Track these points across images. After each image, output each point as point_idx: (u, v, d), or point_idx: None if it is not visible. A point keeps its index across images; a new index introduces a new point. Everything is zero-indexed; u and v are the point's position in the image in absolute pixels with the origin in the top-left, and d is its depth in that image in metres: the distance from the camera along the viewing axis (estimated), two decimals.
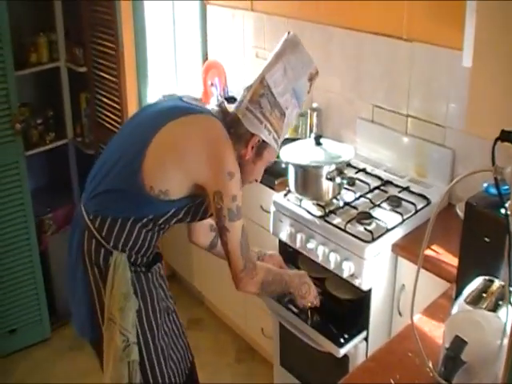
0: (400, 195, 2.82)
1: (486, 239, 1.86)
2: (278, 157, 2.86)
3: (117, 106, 3.92)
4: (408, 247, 2.54)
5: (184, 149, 2.09)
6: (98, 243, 2.18)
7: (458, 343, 1.54)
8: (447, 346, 1.57)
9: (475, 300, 1.73)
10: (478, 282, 1.80)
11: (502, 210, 1.80)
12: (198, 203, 2.21)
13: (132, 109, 3.86)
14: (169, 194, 2.10)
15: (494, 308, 1.69)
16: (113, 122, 3.96)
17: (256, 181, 2.39)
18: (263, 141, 2.22)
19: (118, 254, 2.18)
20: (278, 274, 2.41)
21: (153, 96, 3.99)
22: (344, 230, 2.58)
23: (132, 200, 2.12)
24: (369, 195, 2.83)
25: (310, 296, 2.50)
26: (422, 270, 1.71)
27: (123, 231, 2.16)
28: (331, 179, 2.69)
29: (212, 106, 2.27)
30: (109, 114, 4.02)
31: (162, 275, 2.41)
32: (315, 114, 3.43)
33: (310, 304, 2.52)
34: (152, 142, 2.09)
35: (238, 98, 2.25)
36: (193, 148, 2.09)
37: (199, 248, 3.92)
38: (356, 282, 2.54)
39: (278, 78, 2.17)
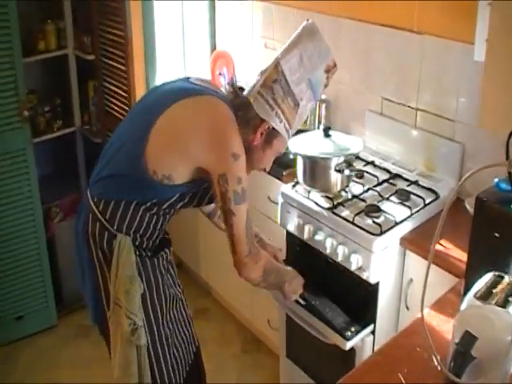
0: (409, 189, 2.81)
1: (496, 234, 1.86)
2: (287, 148, 2.87)
3: (125, 94, 3.92)
4: (416, 241, 2.53)
5: (186, 131, 2.05)
6: (101, 226, 2.17)
7: (468, 338, 1.54)
8: (457, 341, 1.57)
9: (485, 295, 1.73)
10: (487, 278, 1.79)
11: None
12: (204, 188, 2.19)
13: (140, 96, 3.85)
14: (172, 179, 2.07)
15: (504, 304, 1.68)
16: (120, 111, 3.96)
17: (265, 170, 2.36)
18: (273, 128, 2.17)
19: (122, 236, 2.16)
20: (275, 264, 2.40)
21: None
22: (352, 223, 2.58)
23: (135, 184, 2.10)
24: (377, 188, 2.82)
25: (300, 290, 2.54)
26: (431, 265, 1.70)
27: (127, 214, 2.14)
28: (340, 171, 2.69)
29: (220, 88, 2.25)
30: (117, 102, 4.01)
31: (170, 261, 2.39)
32: (324, 105, 3.42)
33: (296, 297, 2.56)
34: (155, 125, 2.06)
35: (251, 83, 2.21)
36: (194, 130, 2.05)
37: (206, 238, 3.95)
38: (364, 275, 2.54)
39: (294, 65, 2.12)
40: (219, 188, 2.06)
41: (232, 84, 2.23)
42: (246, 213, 2.14)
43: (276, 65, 2.12)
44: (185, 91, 2.14)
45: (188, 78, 2.25)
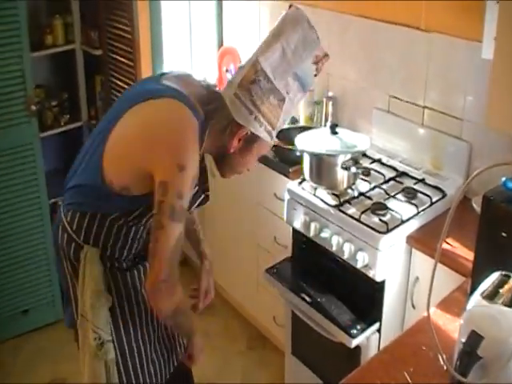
0: (415, 187, 2.81)
1: (503, 234, 1.85)
2: (293, 146, 2.87)
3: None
4: (423, 239, 2.54)
5: (135, 137, 1.89)
6: (69, 237, 2.06)
7: (475, 338, 1.54)
8: (463, 340, 1.57)
9: (491, 295, 1.72)
10: (494, 277, 1.79)
11: None
12: None
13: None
14: (130, 190, 1.91)
15: (511, 303, 1.68)
16: None
17: (248, 170, 2.18)
18: (253, 133, 1.96)
19: (89, 248, 2.04)
20: (190, 312, 2.20)
21: None
22: (359, 221, 2.58)
23: (98, 196, 1.97)
24: (384, 186, 2.83)
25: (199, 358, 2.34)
26: (438, 264, 1.70)
27: (93, 225, 2.01)
28: (346, 168, 2.68)
29: (198, 87, 2.02)
30: None
31: None
32: (331, 102, 3.42)
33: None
34: (111, 133, 1.93)
35: (229, 79, 2.03)
36: (144, 134, 1.87)
37: (211, 234, 3.95)
38: (370, 273, 2.54)
39: (275, 60, 1.91)
40: (158, 196, 1.82)
41: (208, 86, 2.04)
42: (177, 234, 1.84)
43: (254, 63, 1.91)
44: (145, 93, 1.96)
45: (162, 74, 2.07)
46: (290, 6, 1.98)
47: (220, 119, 1.95)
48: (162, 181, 1.81)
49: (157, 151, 1.83)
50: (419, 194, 2.75)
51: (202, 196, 2.10)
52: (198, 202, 2.10)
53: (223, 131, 1.96)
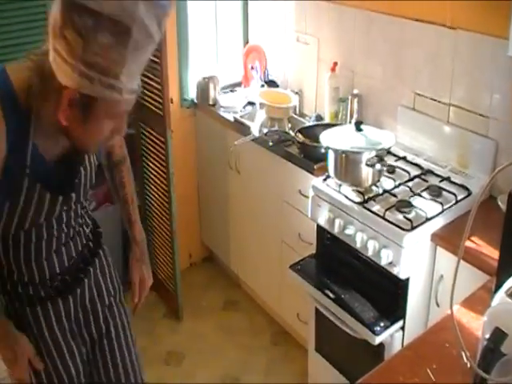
0: (440, 185, 2.80)
1: None
2: (318, 142, 2.86)
3: (157, 86, 3.93)
4: (447, 237, 2.53)
5: None
6: None
7: (498, 335, 1.53)
8: (487, 337, 1.56)
9: None
10: None
11: None
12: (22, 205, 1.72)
13: (173, 89, 3.89)
14: None
15: None
16: (153, 102, 3.98)
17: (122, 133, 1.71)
18: (85, 94, 1.46)
19: None
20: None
21: (193, 77, 4.03)
22: (383, 218, 2.57)
23: None
24: (409, 183, 2.82)
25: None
26: (462, 262, 1.70)
27: None
28: (371, 166, 2.68)
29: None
30: (150, 94, 4.03)
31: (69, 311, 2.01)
32: (356, 100, 3.41)
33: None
34: None
35: None
36: None
37: (236, 231, 3.97)
38: (394, 271, 2.54)
39: None
40: None
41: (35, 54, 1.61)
42: None
43: (60, 3, 1.40)
44: None
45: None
46: None
47: (47, 83, 1.52)
48: None
49: None
50: (444, 192, 2.74)
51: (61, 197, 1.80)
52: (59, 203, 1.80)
53: (47, 99, 1.54)
